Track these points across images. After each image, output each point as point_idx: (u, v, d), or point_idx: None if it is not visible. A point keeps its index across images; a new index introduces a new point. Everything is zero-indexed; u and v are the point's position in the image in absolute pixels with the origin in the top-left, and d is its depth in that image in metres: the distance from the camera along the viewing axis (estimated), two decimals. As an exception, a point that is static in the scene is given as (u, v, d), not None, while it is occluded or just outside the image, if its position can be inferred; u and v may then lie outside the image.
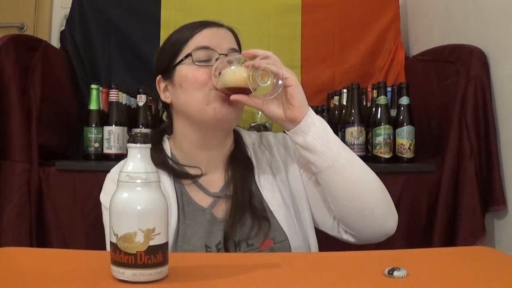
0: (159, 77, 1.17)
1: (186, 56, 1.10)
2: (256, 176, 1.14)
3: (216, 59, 1.08)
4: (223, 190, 1.13)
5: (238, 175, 1.13)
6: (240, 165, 1.14)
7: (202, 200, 1.12)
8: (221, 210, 1.10)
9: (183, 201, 1.10)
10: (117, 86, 1.93)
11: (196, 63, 1.09)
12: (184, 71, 1.10)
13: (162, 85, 1.17)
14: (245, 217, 1.08)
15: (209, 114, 1.07)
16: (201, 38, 1.11)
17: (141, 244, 0.70)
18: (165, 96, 1.17)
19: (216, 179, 1.15)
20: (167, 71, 1.14)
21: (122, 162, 1.13)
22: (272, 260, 0.81)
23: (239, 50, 1.16)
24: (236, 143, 1.20)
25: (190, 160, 1.14)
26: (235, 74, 1.01)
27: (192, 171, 1.13)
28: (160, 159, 1.13)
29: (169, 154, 1.17)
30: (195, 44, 1.11)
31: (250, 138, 1.22)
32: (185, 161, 1.15)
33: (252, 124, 2.13)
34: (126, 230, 0.70)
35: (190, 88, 1.09)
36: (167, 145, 1.19)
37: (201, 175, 1.13)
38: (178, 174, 1.13)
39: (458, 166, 1.75)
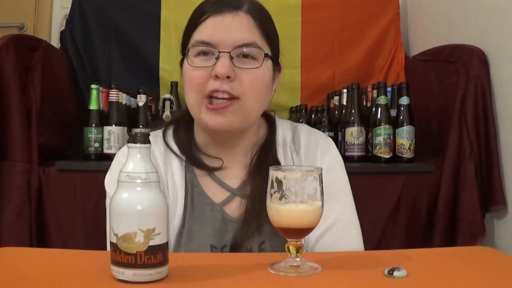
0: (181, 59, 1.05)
1: (186, 52, 0.99)
2: None
3: (216, 58, 0.95)
4: (241, 187, 1.03)
5: (260, 176, 0.97)
6: (265, 165, 0.97)
7: (215, 194, 1.03)
8: (235, 208, 1.01)
9: (193, 192, 1.02)
10: (117, 86, 1.94)
11: (191, 64, 0.97)
12: (185, 67, 1.00)
13: (180, 67, 1.05)
14: (263, 222, 0.95)
15: (203, 123, 0.99)
16: (203, 30, 0.97)
17: (141, 244, 0.70)
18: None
19: (236, 174, 1.05)
20: (182, 57, 1.03)
21: None
22: (272, 260, 0.81)
23: (260, 40, 0.98)
24: (268, 134, 1.08)
25: (205, 150, 1.06)
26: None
27: (211, 163, 1.04)
28: (183, 141, 1.06)
29: (194, 137, 1.07)
30: (196, 37, 0.98)
31: (281, 131, 1.09)
32: (202, 149, 1.06)
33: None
34: (126, 230, 0.70)
35: (187, 88, 1.00)
36: (194, 128, 1.08)
37: (220, 168, 1.04)
38: (196, 162, 1.04)
39: (458, 166, 1.75)
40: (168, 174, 1.03)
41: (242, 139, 1.05)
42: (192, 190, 1.03)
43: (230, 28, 0.96)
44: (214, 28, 0.96)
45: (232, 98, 0.96)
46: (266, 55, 0.98)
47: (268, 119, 1.12)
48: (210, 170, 1.04)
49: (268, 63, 1.00)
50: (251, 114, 1.00)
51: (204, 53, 0.97)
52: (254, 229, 0.97)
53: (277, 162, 1.03)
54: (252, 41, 0.97)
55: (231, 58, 0.95)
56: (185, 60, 1.00)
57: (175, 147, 1.05)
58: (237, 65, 0.96)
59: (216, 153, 1.05)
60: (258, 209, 0.96)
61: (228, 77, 0.95)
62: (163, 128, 1.10)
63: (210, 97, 0.96)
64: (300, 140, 1.08)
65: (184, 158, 1.04)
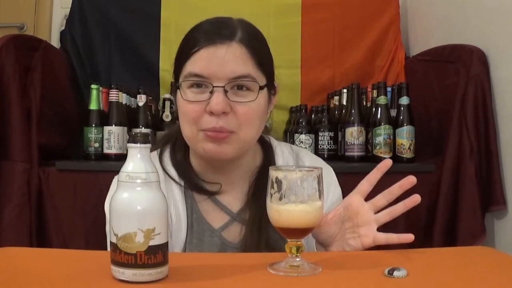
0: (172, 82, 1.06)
1: (178, 86, 0.97)
2: None
3: (210, 92, 0.93)
4: (241, 212, 1.03)
5: (258, 202, 0.98)
6: (263, 192, 1.02)
7: (215, 219, 1.03)
8: (234, 234, 1.02)
9: (192, 218, 1.02)
10: (117, 86, 1.94)
11: (184, 97, 0.95)
12: (178, 98, 0.98)
13: (173, 92, 1.06)
14: (261, 246, 0.98)
15: (200, 152, 0.99)
16: (195, 62, 0.94)
17: (141, 244, 0.70)
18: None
19: (235, 196, 1.05)
20: (175, 83, 1.01)
21: None
22: (272, 260, 0.81)
23: (254, 70, 0.96)
24: (264, 160, 1.07)
25: (203, 176, 1.05)
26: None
27: (210, 187, 1.04)
28: (182, 165, 1.05)
29: (190, 162, 1.06)
30: (189, 69, 0.95)
31: (283, 157, 1.09)
32: (199, 174, 1.05)
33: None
34: (126, 230, 0.70)
35: (182, 119, 0.99)
36: (190, 152, 1.07)
37: (218, 192, 1.04)
38: (196, 187, 1.03)
39: (458, 166, 1.75)
40: (171, 202, 1.01)
41: (238, 165, 1.04)
42: (191, 216, 1.02)
43: (223, 61, 0.93)
44: (207, 61, 0.93)
45: (229, 132, 0.95)
46: (261, 87, 0.97)
47: (264, 143, 1.11)
48: (209, 194, 1.04)
49: (263, 92, 0.98)
50: (247, 144, 1.00)
51: (198, 85, 0.95)
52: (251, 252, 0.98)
53: None
54: (246, 73, 0.95)
55: (226, 91, 0.93)
56: (178, 90, 0.98)
57: (173, 172, 1.04)
58: (232, 99, 0.94)
59: (213, 178, 1.04)
60: (256, 236, 0.98)
61: (223, 112, 0.93)
62: (158, 150, 1.08)
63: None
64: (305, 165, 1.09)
65: (182, 183, 1.03)
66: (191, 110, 0.95)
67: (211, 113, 0.93)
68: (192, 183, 1.04)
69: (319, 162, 1.16)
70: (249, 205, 1.03)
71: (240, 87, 0.95)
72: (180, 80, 0.97)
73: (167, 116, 2.05)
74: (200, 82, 0.94)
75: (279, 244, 0.97)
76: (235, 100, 0.94)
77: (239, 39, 0.96)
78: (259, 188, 1.01)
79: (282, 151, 1.10)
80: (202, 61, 0.94)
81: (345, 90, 2.09)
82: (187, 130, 0.98)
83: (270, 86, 1.02)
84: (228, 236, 1.02)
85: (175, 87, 1.01)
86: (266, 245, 0.99)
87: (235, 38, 0.95)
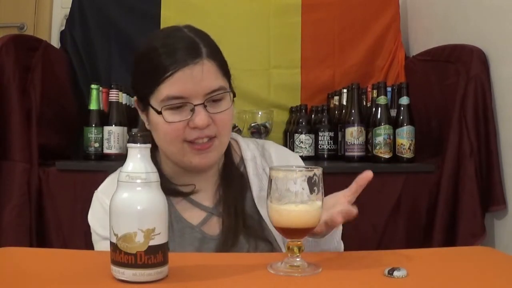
0: (135, 98, 1.08)
1: (158, 111, 0.99)
2: (255, 194, 1.08)
3: (191, 110, 0.98)
4: (215, 206, 1.09)
5: (230, 194, 1.08)
6: (232, 183, 1.09)
7: (193, 216, 1.07)
8: (214, 227, 1.06)
9: (171, 218, 1.05)
10: (117, 86, 1.93)
11: (166, 120, 0.99)
12: (155, 119, 1.01)
13: (140, 108, 1.08)
14: (240, 237, 1.03)
15: (186, 164, 1.04)
16: (171, 85, 0.98)
17: (141, 244, 0.70)
18: (143, 120, 1.08)
19: (209, 194, 1.10)
20: (142, 102, 1.05)
21: (109, 178, 1.12)
22: (272, 260, 0.81)
23: (223, 81, 1.02)
24: (226, 157, 1.13)
25: (176, 179, 1.09)
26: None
27: (184, 188, 1.09)
28: None
29: (161, 168, 1.09)
30: (165, 92, 0.98)
31: (249, 151, 1.15)
32: (172, 179, 1.10)
33: (252, 124, 2.13)
34: (126, 230, 0.70)
35: (162, 139, 1.03)
36: (158, 157, 1.11)
37: (192, 192, 1.09)
38: (170, 192, 1.05)
39: (458, 166, 1.75)
40: None
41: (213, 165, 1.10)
42: (171, 217, 1.05)
43: (199, 79, 0.98)
44: (183, 82, 0.98)
45: (211, 137, 1.01)
46: (230, 94, 1.04)
47: None
48: (184, 196, 1.09)
49: (230, 97, 1.05)
50: (225, 147, 1.08)
51: (177, 107, 0.99)
52: (232, 244, 1.02)
53: (242, 178, 1.10)
54: (219, 86, 1.01)
55: (205, 106, 0.99)
56: (153, 111, 1.01)
57: None
58: (211, 111, 1.00)
59: (187, 180, 1.09)
60: (234, 225, 1.04)
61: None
62: None
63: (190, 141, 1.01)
64: (271, 155, 1.15)
65: None
66: (173, 129, 0.99)
67: (195, 128, 0.99)
68: (166, 189, 1.06)
69: (284, 151, 1.22)
70: (222, 198, 1.09)
71: (216, 99, 1.01)
72: (157, 104, 1.00)
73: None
74: (180, 104, 0.98)
75: (255, 228, 1.05)
76: (214, 112, 1.01)
77: (206, 55, 1.00)
78: (227, 180, 1.10)
79: (246, 144, 1.16)
80: (179, 83, 0.98)
81: (345, 90, 2.09)
82: (171, 148, 1.03)
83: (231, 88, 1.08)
84: (208, 230, 1.06)
85: (146, 108, 1.03)
86: (245, 233, 1.04)
87: (203, 55, 0.99)
